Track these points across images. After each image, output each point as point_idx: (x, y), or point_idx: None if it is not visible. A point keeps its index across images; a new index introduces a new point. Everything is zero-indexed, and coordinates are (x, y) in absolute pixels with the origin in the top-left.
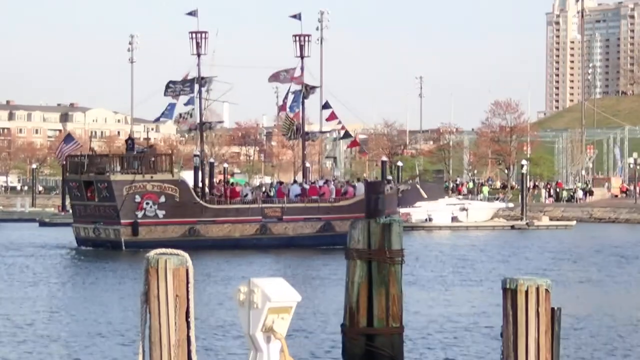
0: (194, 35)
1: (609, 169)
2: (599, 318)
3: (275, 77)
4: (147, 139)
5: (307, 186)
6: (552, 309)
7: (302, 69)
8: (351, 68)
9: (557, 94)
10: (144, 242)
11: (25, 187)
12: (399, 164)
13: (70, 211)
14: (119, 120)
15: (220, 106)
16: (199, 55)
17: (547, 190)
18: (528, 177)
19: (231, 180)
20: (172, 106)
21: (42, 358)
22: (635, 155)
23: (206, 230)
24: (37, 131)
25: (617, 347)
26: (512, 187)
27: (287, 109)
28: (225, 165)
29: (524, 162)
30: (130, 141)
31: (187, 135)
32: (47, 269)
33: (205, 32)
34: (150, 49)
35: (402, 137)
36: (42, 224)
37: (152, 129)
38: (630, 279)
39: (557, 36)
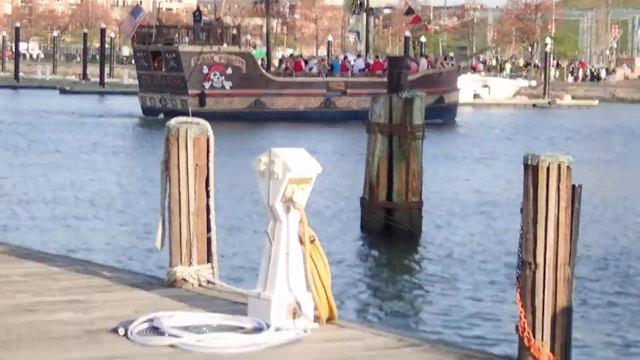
0: None
1: (634, 49)
2: (620, 197)
3: None
4: (215, 15)
5: (371, 61)
6: (573, 186)
7: None
8: None
9: None
10: (211, 113)
11: (42, 55)
12: (422, 39)
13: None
14: None
15: None
16: None
17: (571, 69)
18: (552, 55)
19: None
20: None
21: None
22: None
23: (271, 102)
24: None
25: (636, 225)
26: (535, 66)
27: None
28: (249, 37)
29: (547, 40)
30: (197, 13)
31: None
32: (119, 137)
33: None
34: None
35: (426, 12)
36: (63, 91)
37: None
38: None
39: None
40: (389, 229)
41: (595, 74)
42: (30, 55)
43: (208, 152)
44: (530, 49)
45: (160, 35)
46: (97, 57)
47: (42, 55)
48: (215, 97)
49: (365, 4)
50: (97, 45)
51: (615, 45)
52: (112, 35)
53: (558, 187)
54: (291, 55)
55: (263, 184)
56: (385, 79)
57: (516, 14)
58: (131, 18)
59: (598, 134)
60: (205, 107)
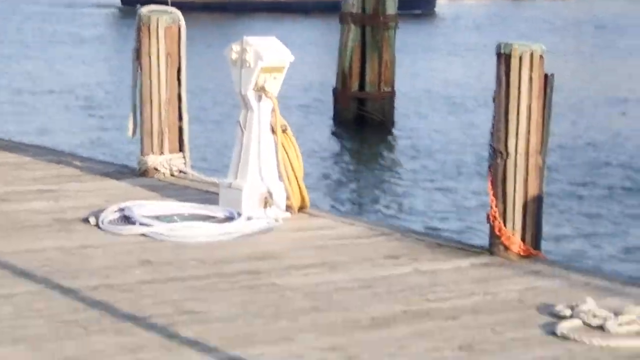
0: None
1: None
2: (592, 88)
3: None
4: None
5: None
6: (545, 74)
7: None
8: None
9: None
10: (190, 3)
11: None
12: None
13: None
14: None
15: None
16: None
17: None
18: None
19: None
20: None
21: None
22: None
23: None
24: None
25: (610, 112)
26: None
27: None
28: None
29: None
30: None
31: None
32: (95, 27)
33: None
34: None
35: None
36: None
37: None
38: (627, 51)
39: None
40: (361, 119)
41: None
42: None
43: (180, 41)
44: None
45: None
46: None
47: None
48: None
49: None
50: None
51: None
52: None
53: (530, 76)
54: None
55: (235, 72)
56: None
57: None
58: None
59: (572, 25)
60: None
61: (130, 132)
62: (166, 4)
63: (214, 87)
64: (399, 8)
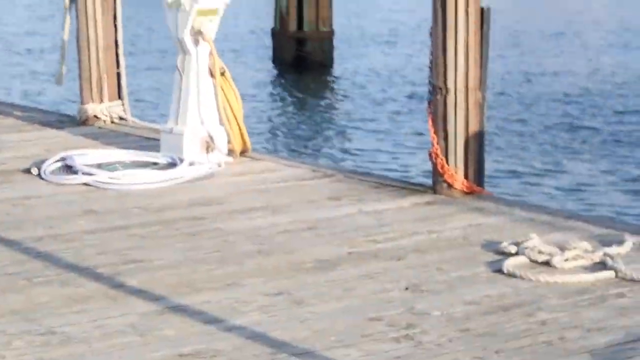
0: None
1: None
2: (531, 21)
3: None
4: None
5: None
6: (482, 8)
7: None
8: None
9: None
10: None
11: None
12: None
13: None
14: None
15: None
16: None
17: None
18: None
19: None
20: None
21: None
22: None
23: None
24: None
25: (548, 46)
26: None
27: None
28: None
29: None
30: None
31: None
32: None
33: None
34: None
35: None
36: None
37: None
38: None
39: None
40: (301, 60)
41: None
42: None
43: None
44: None
45: None
46: None
47: None
48: None
49: None
50: None
51: None
52: None
53: (467, 10)
54: None
55: (171, 16)
56: None
57: None
58: None
59: None
60: None
61: (58, 80)
62: None
63: (153, 31)
64: None
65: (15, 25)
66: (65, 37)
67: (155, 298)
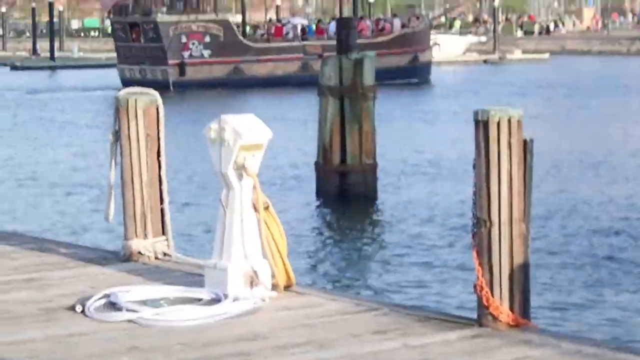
0: None
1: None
2: (572, 150)
3: None
4: None
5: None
6: (525, 140)
7: None
8: None
9: None
10: (191, 82)
11: None
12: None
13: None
14: None
15: None
16: None
17: (520, 23)
18: (500, 10)
19: None
20: None
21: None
22: None
23: (250, 68)
24: None
25: (588, 176)
26: (484, 22)
27: None
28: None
29: None
30: None
31: None
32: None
33: None
34: None
35: None
36: (14, 67)
37: None
38: (603, 113)
39: None
40: (344, 192)
41: (544, 27)
42: None
43: (158, 121)
44: (478, 4)
45: (137, 6)
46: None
47: None
48: (194, 66)
49: None
50: (47, 19)
51: None
52: (61, 8)
53: (509, 142)
54: (270, 20)
55: (214, 151)
56: (359, 41)
57: None
58: None
59: (548, 88)
60: (186, 77)
61: (106, 216)
62: (167, 86)
63: (200, 166)
64: (396, 78)
65: (59, 162)
66: (112, 173)
67: None
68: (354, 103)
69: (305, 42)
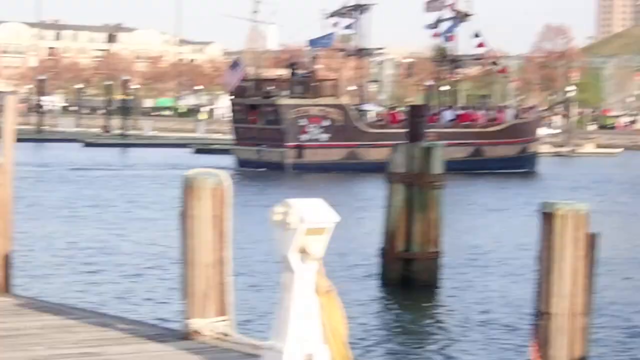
0: None
1: None
2: (638, 246)
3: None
4: (309, 67)
5: (459, 112)
6: (590, 234)
7: None
8: None
9: (606, 19)
10: (308, 164)
11: (69, 107)
12: (443, 88)
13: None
14: (165, 42)
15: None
16: None
17: (593, 117)
18: (574, 103)
19: None
20: (331, 34)
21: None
22: None
23: (366, 153)
24: (83, 51)
25: None
26: (558, 114)
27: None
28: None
29: (569, 87)
30: (294, 66)
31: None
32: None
33: None
34: None
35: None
36: (87, 144)
37: (199, 50)
38: None
39: None
40: (407, 279)
41: (618, 122)
42: (55, 108)
43: (226, 202)
44: (553, 97)
45: (258, 88)
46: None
47: (62, 108)
48: (312, 149)
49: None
50: (121, 97)
51: (638, 92)
52: (136, 86)
53: (575, 236)
54: (392, 107)
55: (278, 234)
56: (473, 130)
57: (539, 62)
58: (231, 71)
59: (618, 183)
60: (303, 159)
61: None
62: (282, 167)
63: (259, 246)
64: (504, 167)
65: (126, 237)
66: (181, 253)
67: None
68: (422, 191)
69: None
